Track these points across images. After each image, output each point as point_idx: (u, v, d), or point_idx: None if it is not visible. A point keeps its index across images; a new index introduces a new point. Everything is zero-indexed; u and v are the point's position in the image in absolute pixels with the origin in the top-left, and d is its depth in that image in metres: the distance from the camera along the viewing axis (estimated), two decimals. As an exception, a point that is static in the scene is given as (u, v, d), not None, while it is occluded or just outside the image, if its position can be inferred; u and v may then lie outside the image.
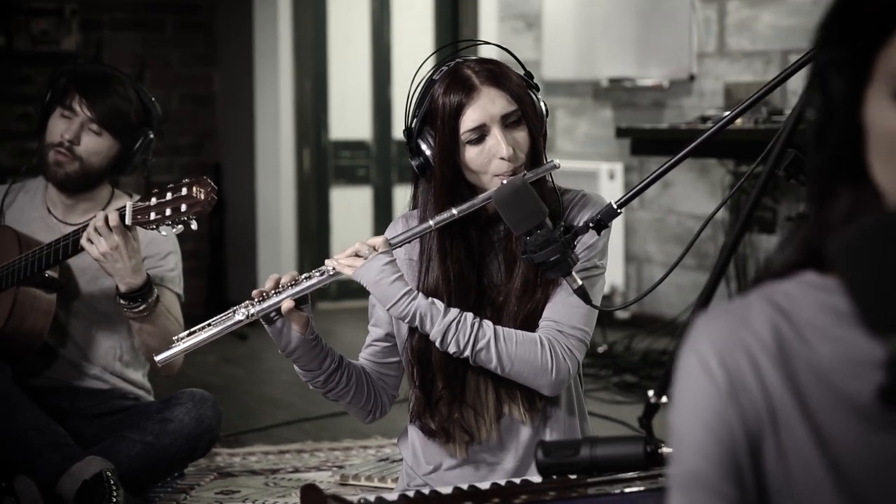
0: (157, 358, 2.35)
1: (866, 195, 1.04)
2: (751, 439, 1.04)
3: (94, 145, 3.09)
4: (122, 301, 2.94)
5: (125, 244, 2.84)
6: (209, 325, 2.31)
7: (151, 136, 3.19)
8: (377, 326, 2.41)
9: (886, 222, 0.92)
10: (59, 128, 3.08)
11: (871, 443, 1.02)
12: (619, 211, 2.15)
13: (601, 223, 2.14)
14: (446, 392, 2.29)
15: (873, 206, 1.03)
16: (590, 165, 5.97)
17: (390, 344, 2.40)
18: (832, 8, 1.06)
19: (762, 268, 1.08)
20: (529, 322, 2.27)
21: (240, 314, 2.29)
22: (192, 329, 2.32)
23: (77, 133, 3.07)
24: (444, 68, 2.27)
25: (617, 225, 4.25)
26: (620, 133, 5.20)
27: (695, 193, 5.65)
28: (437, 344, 2.21)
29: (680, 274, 5.48)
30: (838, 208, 1.05)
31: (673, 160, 2.19)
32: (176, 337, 2.33)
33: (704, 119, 4.89)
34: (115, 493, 2.87)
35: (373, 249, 2.24)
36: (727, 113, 2.25)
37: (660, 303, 5.73)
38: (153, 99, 3.24)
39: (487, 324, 2.22)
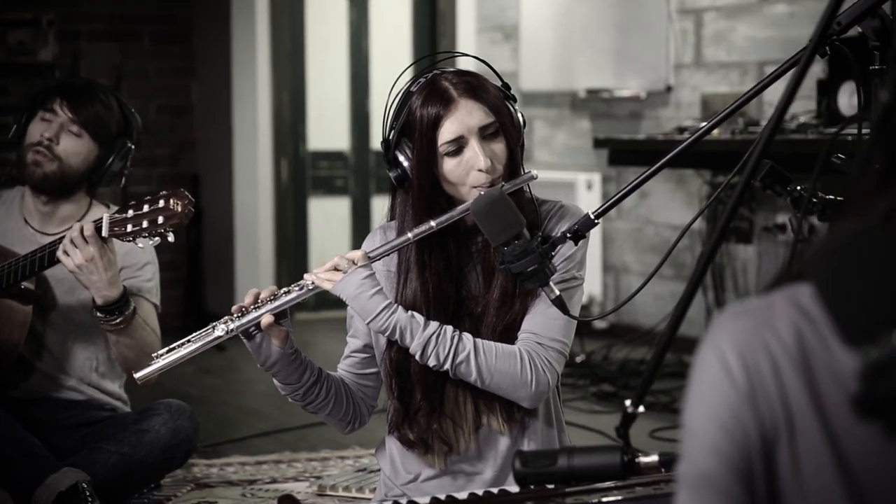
0: (137, 375, 2.33)
1: None
2: (765, 442, 1.03)
3: (73, 146, 3.08)
4: (98, 314, 2.92)
5: (101, 256, 2.82)
6: (189, 341, 2.31)
7: (130, 146, 3.18)
8: (355, 338, 2.41)
9: (859, 232, 0.92)
10: (38, 128, 3.08)
11: (886, 454, 1.00)
12: (596, 221, 2.16)
13: (578, 233, 2.15)
14: (425, 403, 2.29)
15: None
16: (567, 176, 5.99)
17: (369, 355, 2.40)
18: None
19: (785, 268, 1.06)
20: (508, 333, 2.27)
21: (219, 330, 2.28)
22: (172, 346, 2.31)
23: (57, 133, 3.07)
24: (422, 80, 2.28)
25: (594, 235, 4.25)
26: (598, 144, 5.21)
27: (672, 204, 5.67)
28: (417, 357, 2.21)
29: (657, 284, 5.50)
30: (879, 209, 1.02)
31: (650, 171, 2.19)
32: (155, 353, 2.32)
33: (681, 130, 4.91)
34: (91, 505, 2.86)
35: (352, 263, 2.24)
36: (704, 124, 2.25)
37: (637, 313, 5.74)
38: (133, 111, 3.24)
39: (467, 337, 2.23)
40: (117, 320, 2.93)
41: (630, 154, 5.03)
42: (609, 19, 5.86)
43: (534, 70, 6.29)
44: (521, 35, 6.38)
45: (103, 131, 3.11)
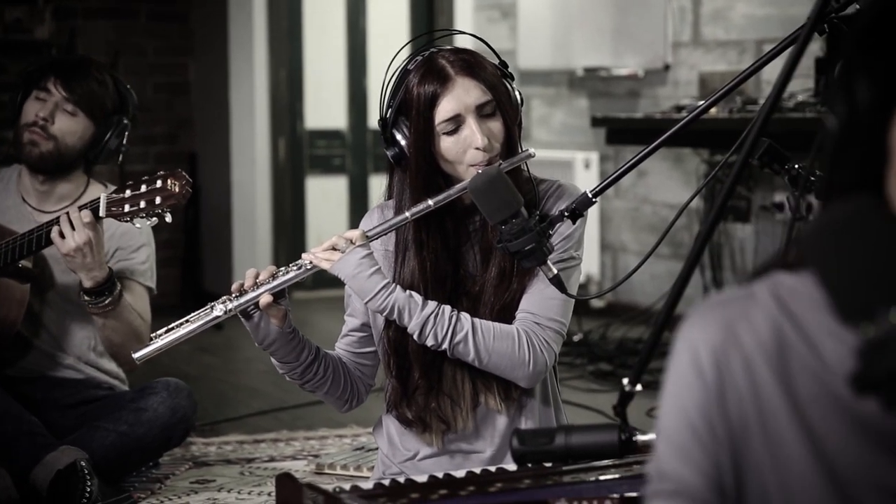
0: (136, 355, 2.33)
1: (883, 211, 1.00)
2: (734, 440, 1.03)
3: (69, 125, 3.07)
4: (86, 297, 2.92)
5: (96, 241, 2.83)
6: (187, 321, 2.30)
7: (126, 122, 3.17)
8: (353, 317, 2.41)
9: (854, 211, 0.92)
10: (33, 108, 3.07)
11: (862, 443, 1.01)
12: (594, 200, 2.16)
13: (576, 212, 2.15)
14: (423, 382, 2.30)
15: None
16: (565, 155, 5.98)
17: (367, 334, 2.40)
18: (874, 11, 1.01)
19: (772, 257, 1.05)
20: (506, 312, 2.28)
21: (218, 310, 2.28)
22: (170, 326, 2.31)
23: (51, 112, 3.06)
24: (419, 58, 2.27)
25: (592, 214, 4.26)
26: (596, 122, 5.21)
27: (670, 182, 5.67)
28: (415, 337, 2.22)
29: (655, 263, 5.50)
30: None
31: (647, 149, 2.19)
32: (154, 334, 2.32)
33: (679, 108, 4.90)
34: (89, 483, 2.86)
35: (350, 243, 2.24)
36: (702, 102, 2.25)
37: (635, 291, 5.75)
38: (129, 87, 3.22)
39: (465, 317, 2.23)
40: (106, 301, 2.93)
41: (628, 133, 5.03)
42: (607, -3, 5.85)
43: (531, 48, 6.27)
44: (519, 13, 6.36)
45: (98, 109, 3.10)
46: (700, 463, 1.03)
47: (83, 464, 2.89)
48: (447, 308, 2.22)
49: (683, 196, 5.46)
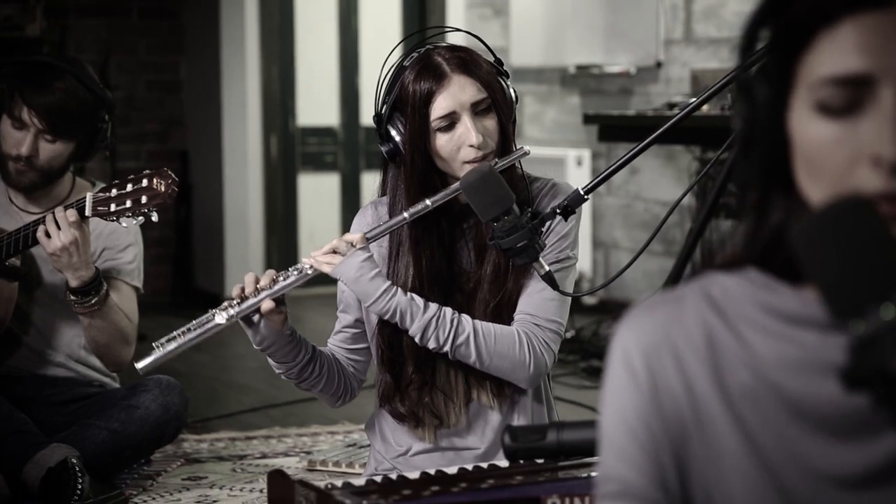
0: (139, 366, 2.32)
1: (796, 204, 1.04)
2: (673, 439, 1.04)
3: (52, 152, 3.01)
4: (72, 297, 2.91)
5: (82, 240, 2.82)
6: (189, 329, 2.30)
7: (107, 118, 3.12)
8: (346, 312, 2.42)
9: (845, 207, 0.92)
10: (13, 138, 2.99)
11: (804, 438, 1.02)
12: (586, 197, 2.16)
13: (568, 209, 2.15)
14: (416, 376, 2.30)
15: (803, 215, 1.02)
16: (557, 152, 5.98)
17: (360, 330, 2.40)
18: (756, 14, 1.04)
19: (705, 258, 1.09)
20: (501, 310, 2.28)
21: (220, 317, 2.28)
22: (172, 334, 2.30)
23: (32, 145, 2.99)
24: (415, 55, 2.27)
25: (585, 211, 4.25)
26: (588, 120, 5.20)
27: (662, 179, 5.67)
28: (417, 339, 2.22)
29: (647, 260, 5.50)
30: (772, 218, 1.05)
31: (639, 146, 2.19)
32: (155, 343, 2.31)
33: (671, 106, 4.90)
34: (80, 481, 2.86)
35: (350, 246, 2.24)
36: (694, 99, 2.25)
37: (627, 288, 5.75)
38: (99, 83, 3.14)
39: (466, 319, 2.23)
40: (92, 300, 2.92)
41: (620, 130, 5.02)
42: (599, -5, 5.85)
43: (524, 46, 6.27)
44: (511, 10, 6.36)
45: (76, 125, 3.03)
46: (641, 464, 1.05)
47: (74, 461, 2.89)
48: (448, 311, 2.22)
49: (675, 193, 5.46)
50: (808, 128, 1.00)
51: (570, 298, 2.30)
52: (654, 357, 1.05)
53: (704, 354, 1.05)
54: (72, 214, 2.80)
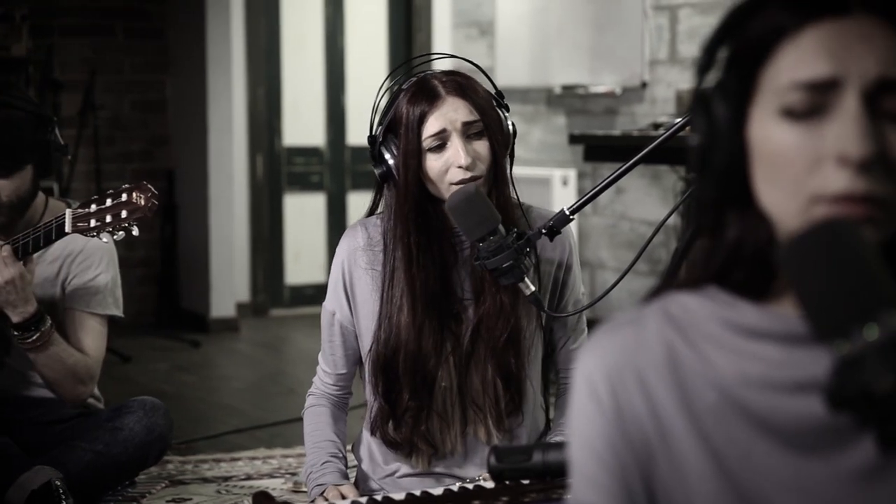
0: None
1: (753, 220, 1.05)
2: (640, 462, 1.05)
3: (10, 187, 2.92)
4: (14, 332, 2.88)
5: (21, 277, 2.79)
6: None
7: (52, 133, 3.03)
8: (343, 356, 2.39)
9: (830, 228, 0.93)
10: None
11: (759, 451, 1.02)
12: (571, 217, 2.16)
13: (553, 229, 2.15)
14: (413, 403, 2.27)
15: (760, 231, 1.04)
16: (543, 172, 5.99)
17: (355, 369, 2.40)
18: (714, 33, 1.07)
19: (664, 278, 1.10)
20: (511, 346, 2.26)
21: None
22: None
23: None
24: (413, 79, 2.27)
25: (571, 231, 4.26)
26: (573, 140, 5.21)
27: (647, 199, 5.68)
28: None
29: (633, 279, 5.50)
30: (729, 234, 1.06)
31: (625, 166, 2.20)
32: None
33: (656, 126, 4.91)
34: (64, 503, 2.84)
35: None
36: (679, 119, 2.26)
37: (613, 308, 5.75)
38: (32, 99, 3.05)
39: None
40: (33, 337, 2.88)
41: (605, 150, 5.03)
42: (584, 15, 5.87)
43: (509, 66, 6.28)
44: (497, 31, 6.38)
45: (23, 153, 2.93)
46: (611, 489, 1.05)
47: (58, 483, 2.87)
48: None
49: (661, 213, 5.47)
50: (771, 133, 1.02)
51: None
52: (617, 380, 1.06)
53: (667, 374, 1.05)
54: (6, 251, 2.78)
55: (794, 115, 1.00)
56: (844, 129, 0.98)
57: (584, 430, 1.07)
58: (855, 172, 0.97)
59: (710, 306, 1.06)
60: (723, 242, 1.07)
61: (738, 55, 1.05)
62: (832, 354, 0.90)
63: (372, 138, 2.28)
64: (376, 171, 2.27)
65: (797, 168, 1.00)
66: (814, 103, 1.00)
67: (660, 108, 5.57)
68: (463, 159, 2.19)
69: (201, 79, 6.33)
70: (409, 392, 2.26)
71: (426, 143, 2.22)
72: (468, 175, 2.20)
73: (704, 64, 1.07)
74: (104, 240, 2.77)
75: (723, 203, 1.06)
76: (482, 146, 2.23)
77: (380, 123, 2.27)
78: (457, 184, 2.20)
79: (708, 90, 1.06)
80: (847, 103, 0.99)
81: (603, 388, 1.06)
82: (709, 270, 1.08)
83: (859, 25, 1.00)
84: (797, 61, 1.00)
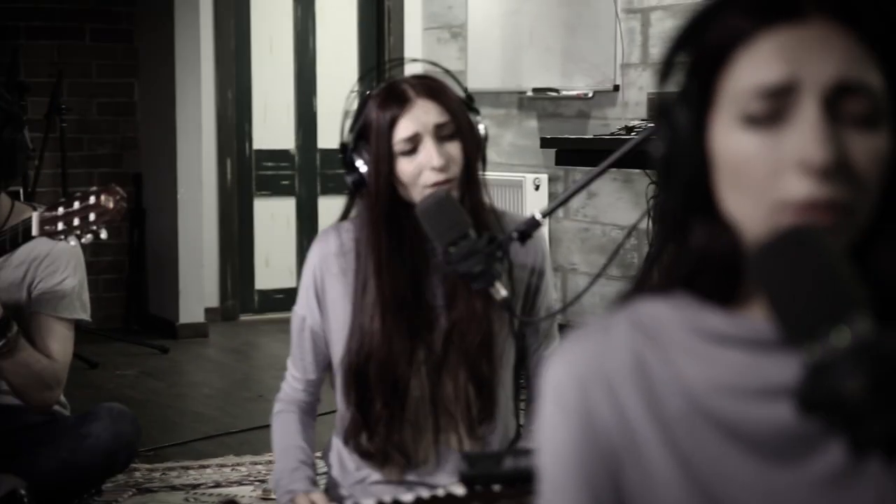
0: None
1: (718, 227, 1.05)
2: (609, 470, 1.05)
3: None
4: None
5: None
6: None
7: (20, 132, 2.99)
8: (313, 365, 2.37)
9: (799, 233, 0.93)
10: None
11: (728, 457, 1.03)
12: (542, 221, 2.14)
13: (524, 234, 2.13)
14: (385, 412, 2.25)
15: (726, 238, 1.04)
16: (515, 176, 5.98)
17: (324, 375, 2.38)
18: (673, 41, 1.07)
19: (632, 285, 1.10)
20: (484, 352, 2.24)
21: None
22: None
23: None
24: (382, 85, 2.26)
25: (542, 235, 4.26)
26: (545, 143, 5.21)
27: (619, 203, 5.68)
28: None
29: (605, 284, 5.50)
30: (695, 241, 1.06)
31: (597, 170, 2.18)
32: None
33: (629, 129, 4.91)
34: (29, 512, 2.80)
35: None
36: (651, 123, 2.24)
37: (585, 312, 5.74)
38: (3, 94, 3.04)
39: None
40: (0, 343, 2.84)
41: (577, 154, 5.03)
42: (556, 18, 5.86)
43: (481, 69, 6.27)
44: (469, 34, 6.36)
45: None
46: (580, 497, 1.05)
47: (23, 492, 2.83)
48: None
49: (633, 217, 5.47)
50: (732, 141, 1.01)
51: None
52: (585, 388, 1.06)
53: (636, 381, 1.05)
54: None
55: (754, 122, 1.00)
56: (804, 136, 0.98)
57: (552, 438, 1.07)
58: (817, 179, 0.97)
59: (678, 313, 1.06)
60: (689, 249, 1.07)
61: (697, 62, 1.04)
62: (803, 359, 0.90)
63: (343, 145, 2.26)
64: (348, 179, 2.25)
65: (759, 176, 0.99)
66: (773, 110, 0.99)
67: (632, 112, 5.57)
68: (436, 160, 2.18)
69: (170, 82, 6.29)
70: (381, 401, 2.25)
71: (398, 148, 2.20)
72: (442, 177, 2.19)
73: (665, 71, 1.07)
74: (72, 243, 2.74)
75: (688, 210, 1.06)
76: (454, 148, 2.22)
77: (350, 130, 2.26)
78: (431, 186, 2.19)
79: (669, 98, 1.06)
80: (806, 109, 0.98)
81: (571, 396, 1.06)
82: (676, 277, 1.08)
83: (816, 30, 1.00)
84: (754, 67, 1.00)
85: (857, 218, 0.99)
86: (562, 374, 1.07)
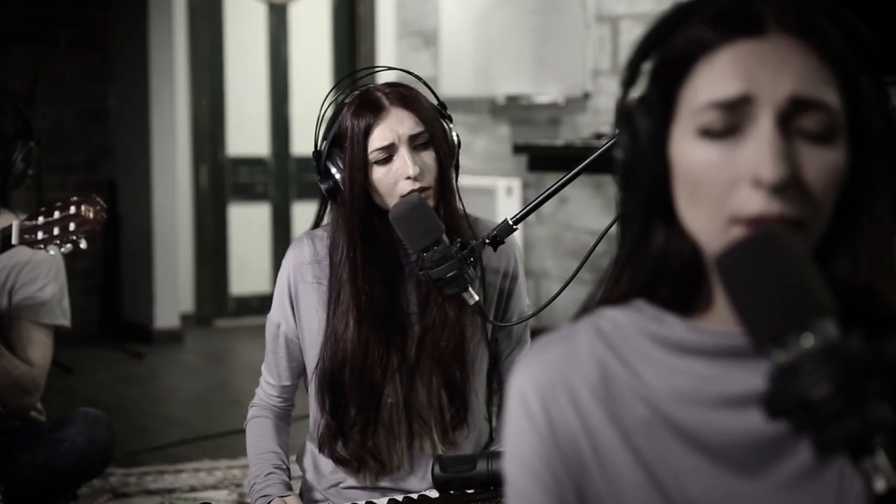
0: None
1: (677, 235, 1.05)
2: (574, 477, 1.05)
3: None
4: None
5: None
6: None
7: (32, 145, 3.05)
8: (287, 370, 2.39)
9: (765, 237, 0.94)
10: None
11: (703, 471, 1.03)
12: (514, 227, 2.17)
13: (497, 239, 2.16)
14: (360, 418, 2.26)
15: (685, 246, 1.05)
16: (487, 182, 6.01)
17: (298, 381, 2.40)
18: (636, 48, 1.07)
19: (595, 295, 1.12)
20: (456, 358, 2.26)
21: None
22: None
23: None
24: (356, 92, 2.27)
25: (515, 240, 4.29)
26: (517, 149, 5.24)
27: (590, 209, 5.72)
28: None
29: (577, 288, 5.54)
30: (654, 249, 1.07)
31: (568, 176, 2.21)
32: None
33: (599, 136, 4.95)
34: (5, 517, 2.81)
35: None
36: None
37: (557, 317, 5.78)
38: (33, 111, 3.09)
39: None
40: None
41: (549, 160, 5.06)
42: (528, 26, 5.90)
43: (453, 76, 6.30)
44: (441, 41, 6.39)
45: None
46: None
47: (-1, 497, 2.84)
48: None
49: (604, 222, 5.51)
50: (690, 153, 1.01)
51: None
52: (549, 397, 1.06)
53: (599, 390, 1.05)
54: None
55: (710, 134, 1.00)
56: (758, 152, 0.98)
57: (517, 446, 1.07)
58: (769, 195, 0.97)
59: (639, 321, 1.07)
60: (648, 257, 1.07)
61: (659, 71, 1.05)
62: (770, 363, 0.91)
63: (317, 153, 2.27)
64: (322, 187, 2.26)
65: (715, 188, 1.00)
66: (729, 123, 0.99)
67: (602, 118, 5.61)
68: (411, 170, 2.19)
69: (144, 89, 6.30)
70: (355, 407, 2.25)
71: (373, 156, 2.21)
72: (417, 186, 2.20)
73: (628, 78, 1.07)
74: (51, 252, 2.74)
75: (647, 218, 1.06)
76: (429, 157, 2.23)
77: (324, 138, 2.27)
78: (406, 195, 2.20)
79: (631, 105, 1.06)
80: (761, 124, 0.98)
81: (535, 404, 1.06)
82: (636, 284, 1.08)
83: (774, 45, 1.00)
84: (711, 80, 1.01)
85: (808, 232, 0.99)
86: (526, 382, 1.07)
